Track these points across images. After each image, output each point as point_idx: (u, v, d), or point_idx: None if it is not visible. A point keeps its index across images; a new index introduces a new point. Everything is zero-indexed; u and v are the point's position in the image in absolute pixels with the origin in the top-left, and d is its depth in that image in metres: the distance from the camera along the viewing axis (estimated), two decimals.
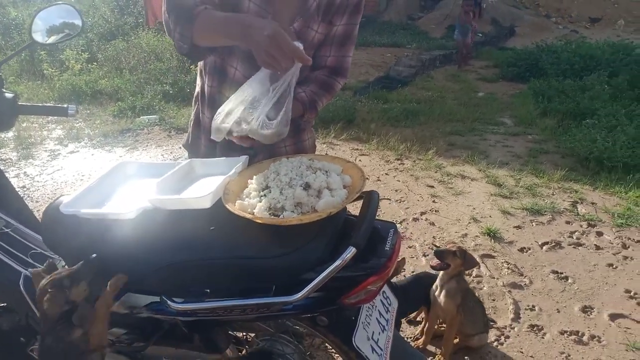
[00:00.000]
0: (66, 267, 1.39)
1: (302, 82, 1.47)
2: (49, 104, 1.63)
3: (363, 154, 5.26)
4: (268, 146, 1.38)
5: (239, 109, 1.22)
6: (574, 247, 3.34)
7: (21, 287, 1.38)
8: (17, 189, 1.79)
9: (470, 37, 10.77)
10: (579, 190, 4.30)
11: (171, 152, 5.18)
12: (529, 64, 9.76)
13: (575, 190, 4.29)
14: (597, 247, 3.34)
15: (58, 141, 5.46)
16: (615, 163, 4.75)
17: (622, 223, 3.64)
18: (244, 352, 1.57)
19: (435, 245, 3.15)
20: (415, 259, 3.12)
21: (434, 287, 2.24)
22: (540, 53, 10.26)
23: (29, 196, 3.98)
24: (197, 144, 1.60)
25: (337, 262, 1.03)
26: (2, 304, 1.61)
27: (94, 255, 1.12)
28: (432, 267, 2.21)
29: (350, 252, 1.04)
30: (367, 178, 1.20)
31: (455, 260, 2.13)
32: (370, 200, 1.19)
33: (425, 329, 2.35)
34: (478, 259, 3.05)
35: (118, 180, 1.38)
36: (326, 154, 4.94)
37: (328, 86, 1.52)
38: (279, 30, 1.10)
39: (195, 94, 1.59)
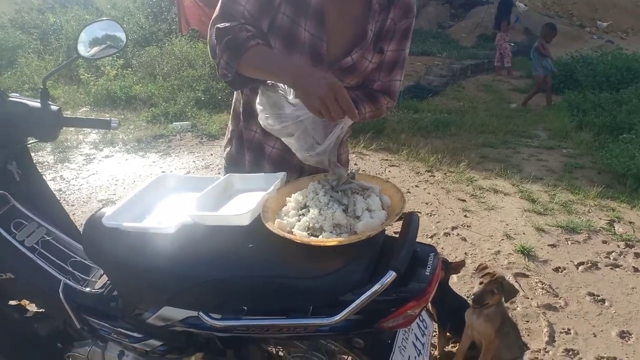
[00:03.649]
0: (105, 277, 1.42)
1: None
2: (92, 117, 1.67)
3: (393, 165, 5.22)
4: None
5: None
6: (611, 268, 3.23)
7: (60, 294, 1.41)
8: (55, 194, 1.83)
9: (551, 71, 8.41)
10: (615, 208, 4.18)
11: (203, 159, 5.24)
12: (564, 75, 9.54)
13: (612, 209, 4.16)
14: (635, 269, 3.22)
15: (93, 145, 5.59)
16: None
17: None
18: None
19: (474, 272, 3.10)
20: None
21: (470, 310, 2.21)
22: (575, 64, 10.03)
23: (64, 200, 4.08)
24: (241, 159, 1.59)
25: (377, 287, 1.03)
26: (41, 310, 1.65)
27: None
28: (474, 308, 2.16)
29: (390, 276, 1.03)
30: (405, 200, 1.18)
31: (495, 297, 2.10)
32: (411, 222, 1.17)
33: (457, 351, 2.30)
34: (511, 278, 2.98)
35: (159, 194, 1.40)
36: (360, 169, 4.93)
37: (373, 97, 1.48)
38: (338, 83, 1.11)
39: (236, 110, 1.57)
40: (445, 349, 2.42)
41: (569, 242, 3.57)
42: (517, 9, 12.38)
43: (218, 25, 1.27)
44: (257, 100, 1.25)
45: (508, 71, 11.44)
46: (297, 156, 1.23)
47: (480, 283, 2.13)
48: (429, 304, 2.29)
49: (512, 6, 11.56)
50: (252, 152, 1.55)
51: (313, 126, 1.18)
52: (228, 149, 1.64)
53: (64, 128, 1.68)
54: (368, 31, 1.38)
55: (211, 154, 5.39)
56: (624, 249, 3.49)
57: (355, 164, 5.11)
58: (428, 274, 1.12)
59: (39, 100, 1.56)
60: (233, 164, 1.62)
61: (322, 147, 1.17)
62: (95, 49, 1.69)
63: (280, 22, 1.33)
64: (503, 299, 2.16)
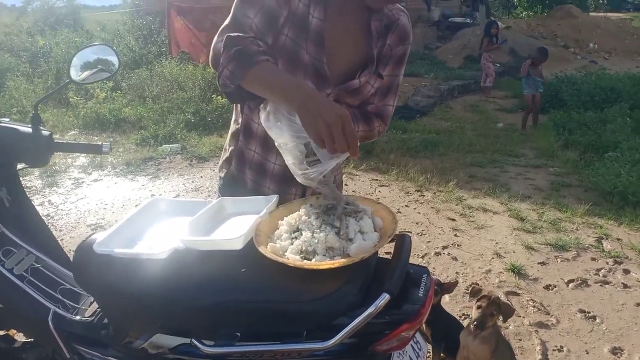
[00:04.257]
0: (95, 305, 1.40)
1: None
2: (83, 143, 1.67)
3: (382, 185, 5.25)
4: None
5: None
6: (600, 285, 3.26)
7: (50, 323, 1.38)
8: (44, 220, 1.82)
9: (539, 92, 8.44)
10: (603, 225, 4.22)
11: (192, 181, 5.23)
12: (549, 95, 9.70)
13: (599, 226, 4.20)
14: (625, 286, 3.25)
15: (82, 169, 5.56)
16: None
17: None
18: None
19: (467, 292, 3.09)
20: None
21: (465, 330, 2.21)
22: (560, 84, 10.21)
23: (53, 225, 4.03)
24: (242, 179, 1.57)
25: (371, 309, 1.02)
26: (29, 340, 1.62)
27: None
28: (476, 333, 2.17)
29: (384, 299, 1.03)
30: (397, 221, 1.19)
31: (494, 318, 2.11)
32: (403, 244, 1.18)
33: None
34: (503, 297, 2.99)
35: (150, 218, 1.39)
36: (354, 193, 4.94)
37: (367, 118, 1.49)
38: (348, 114, 1.08)
39: (235, 130, 1.56)
40: None
41: (558, 259, 3.59)
42: (500, 33, 12.56)
43: (230, 34, 1.23)
44: (262, 106, 1.23)
45: (486, 90, 11.55)
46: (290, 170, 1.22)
47: (479, 307, 2.13)
48: (424, 325, 2.29)
49: (492, 27, 11.69)
50: (253, 171, 1.53)
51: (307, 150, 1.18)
52: (226, 168, 1.61)
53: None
54: (374, 54, 1.40)
55: (201, 176, 5.38)
56: (613, 265, 3.52)
57: (346, 185, 5.13)
58: (421, 295, 1.12)
59: (29, 125, 1.56)
60: (234, 183, 1.59)
61: (314, 173, 1.15)
62: (87, 73, 1.70)
63: (283, 43, 1.34)
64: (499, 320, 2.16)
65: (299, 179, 1.19)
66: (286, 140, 1.17)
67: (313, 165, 1.15)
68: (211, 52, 1.30)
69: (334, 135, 1.06)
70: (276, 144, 1.21)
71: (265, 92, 1.21)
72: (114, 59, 1.69)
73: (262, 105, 1.24)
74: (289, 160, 1.19)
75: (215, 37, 1.30)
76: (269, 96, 1.21)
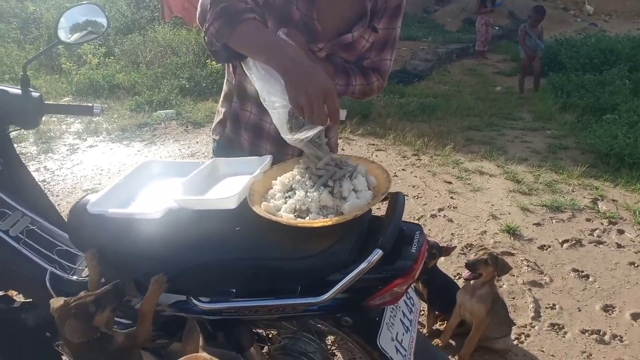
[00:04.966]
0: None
1: None
2: (74, 104, 1.65)
3: (379, 150, 5.24)
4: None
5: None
6: (594, 245, 3.30)
7: (47, 283, 1.40)
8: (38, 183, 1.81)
9: (540, 51, 8.25)
10: (599, 187, 4.24)
11: (188, 147, 5.21)
12: (548, 58, 9.58)
13: (595, 187, 4.23)
14: (619, 245, 3.29)
15: (77, 135, 5.52)
16: (637, 159, 4.66)
17: None
18: (265, 349, 1.58)
19: (462, 253, 3.14)
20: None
21: (462, 290, 2.24)
22: (559, 47, 10.09)
23: (49, 190, 4.03)
24: (238, 140, 1.55)
25: (363, 265, 1.03)
26: (28, 300, 1.64)
27: (118, 280, 1.12)
28: (465, 279, 2.20)
29: (377, 254, 1.03)
30: (391, 180, 1.18)
31: (488, 269, 2.13)
32: (396, 202, 1.18)
33: (445, 328, 2.35)
34: None
35: (143, 180, 1.39)
36: (352, 155, 4.93)
37: (364, 72, 1.46)
38: (332, 89, 1.07)
39: (228, 90, 1.54)
40: (434, 327, 2.45)
41: (553, 220, 3.63)
42: None
43: None
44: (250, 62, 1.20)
45: (479, 54, 11.40)
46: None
47: (475, 254, 2.18)
48: (420, 284, 2.33)
49: None
50: (250, 132, 1.52)
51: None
52: (221, 131, 1.60)
53: (46, 117, 1.65)
54: (367, 8, 1.37)
55: (197, 142, 5.36)
56: (607, 226, 3.55)
57: (343, 149, 5.12)
58: (414, 251, 1.13)
59: (19, 87, 1.54)
60: (229, 146, 1.58)
61: (299, 135, 1.13)
62: (76, 35, 1.66)
63: (273, 1, 1.31)
64: (495, 277, 2.20)
65: (284, 138, 1.19)
66: (272, 98, 1.16)
67: (297, 127, 1.15)
68: (198, 8, 1.27)
69: (314, 108, 1.06)
70: (261, 98, 1.20)
71: (251, 52, 1.19)
72: (102, 19, 1.65)
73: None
74: (274, 118, 1.18)
75: None
76: (255, 57, 1.19)
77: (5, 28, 10.13)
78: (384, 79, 1.51)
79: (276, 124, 1.19)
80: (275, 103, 1.16)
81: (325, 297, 1.04)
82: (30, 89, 1.54)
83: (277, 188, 1.23)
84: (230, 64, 1.53)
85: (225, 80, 1.58)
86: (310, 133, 1.13)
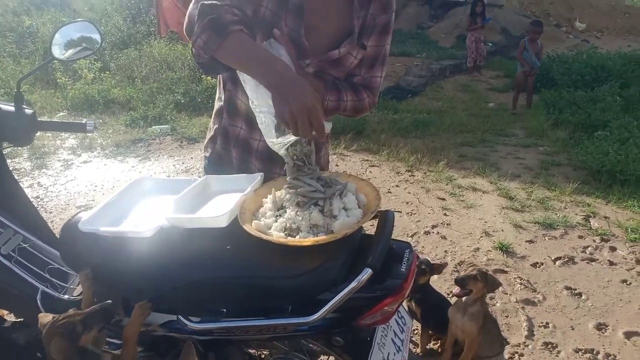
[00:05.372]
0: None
1: None
2: (67, 121, 1.65)
3: (373, 165, 5.26)
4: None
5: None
6: (587, 263, 3.31)
7: (38, 302, 1.39)
8: (31, 200, 1.81)
9: (535, 68, 8.25)
10: (591, 203, 4.27)
11: (183, 163, 5.21)
12: (540, 75, 9.66)
13: (587, 204, 4.25)
14: (611, 263, 3.30)
15: (71, 151, 5.52)
16: (628, 176, 4.69)
17: (635, 238, 3.60)
18: None
19: (455, 270, 3.14)
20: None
21: (453, 307, 2.24)
22: (551, 63, 10.19)
23: (42, 207, 4.02)
24: (228, 157, 1.57)
25: (353, 284, 1.04)
26: (19, 319, 1.63)
27: (109, 301, 1.12)
28: (456, 296, 2.20)
29: (367, 273, 1.04)
30: (381, 197, 1.19)
31: (477, 285, 2.12)
32: (386, 220, 1.19)
33: (445, 347, 2.33)
34: None
35: (135, 197, 1.39)
36: (344, 171, 4.95)
37: (354, 88, 1.46)
38: (316, 105, 1.09)
39: (219, 107, 1.55)
40: (427, 347, 2.44)
41: (546, 237, 3.64)
42: (485, 10, 12.35)
43: (203, 2, 1.20)
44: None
45: (470, 71, 11.51)
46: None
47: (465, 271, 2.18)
48: (413, 303, 2.33)
49: (476, 6, 11.43)
50: (239, 148, 1.53)
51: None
52: (212, 147, 1.61)
53: (41, 132, 1.66)
54: (355, 25, 1.38)
55: (191, 157, 5.36)
56: (600, 243, 3.57)
57: (337, 165, 5.14)
58: (404, 270, 1.14)
59: (12, 104, 1.54)
60: (220, 162, 1.59)
61: (280, 141, 1.17)
62: (70, 51, 1.68)
63: (263, 15, 1.32)
64: (486, 294, 2.19)
65: (268, 142, 1.22)
66: (261, 101, 1.18)
67: (281, 134, 1.17)
68: (186, 20, 1.27)
69: (298, 123, 1.08)
70: (249, 102, 1.22)
71: (239, 65, 1.20)
72: (96, 36, 1.67)
73: None
74: (261, 122, 1.20)
75: (191, 4, 1.26)
76: (242, 70, 1.21)
77: (1, 42, 10.15)
78: (375, 96, 1.52)
79: (261, 129, 1.22)
80: (263, 107, 1.18)
81: (316, 317, 1.04)
82: (24, 106, 1.55)
83: (267, 206, 1.23)
84: (221, 80, 1.54)
85: (216, 97, 1.59)
86: (292, 138, 1.16)
